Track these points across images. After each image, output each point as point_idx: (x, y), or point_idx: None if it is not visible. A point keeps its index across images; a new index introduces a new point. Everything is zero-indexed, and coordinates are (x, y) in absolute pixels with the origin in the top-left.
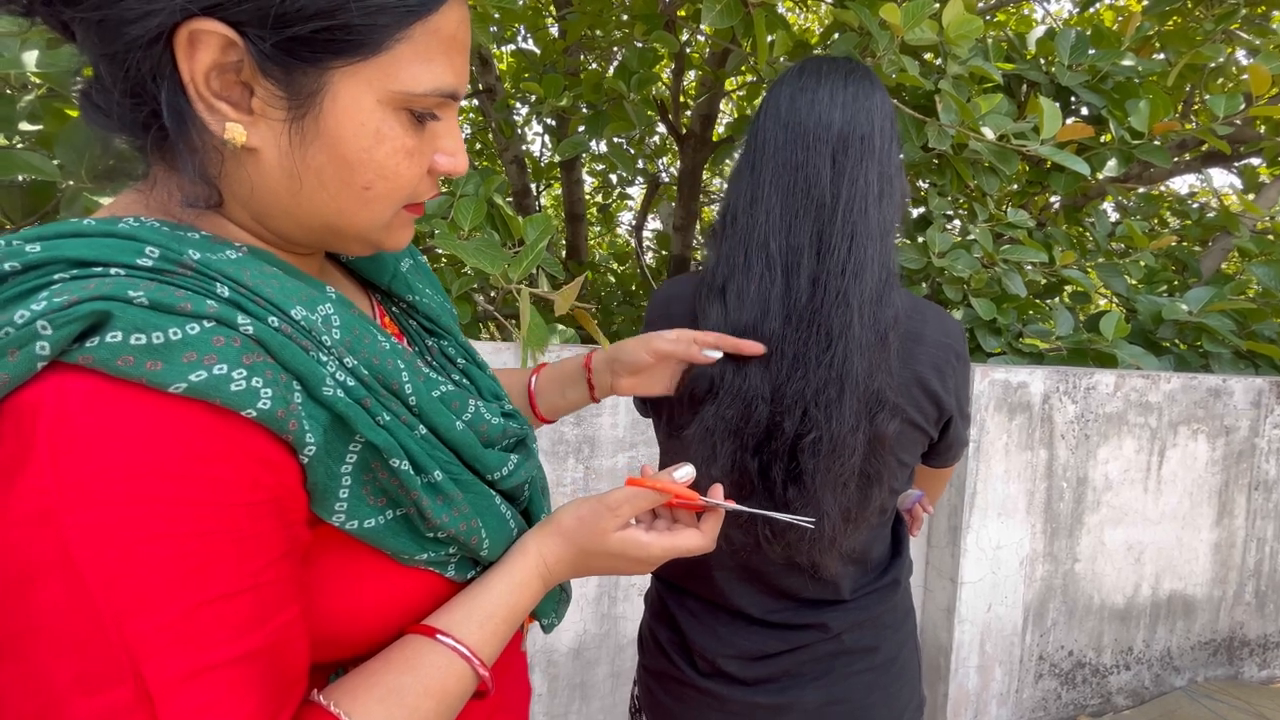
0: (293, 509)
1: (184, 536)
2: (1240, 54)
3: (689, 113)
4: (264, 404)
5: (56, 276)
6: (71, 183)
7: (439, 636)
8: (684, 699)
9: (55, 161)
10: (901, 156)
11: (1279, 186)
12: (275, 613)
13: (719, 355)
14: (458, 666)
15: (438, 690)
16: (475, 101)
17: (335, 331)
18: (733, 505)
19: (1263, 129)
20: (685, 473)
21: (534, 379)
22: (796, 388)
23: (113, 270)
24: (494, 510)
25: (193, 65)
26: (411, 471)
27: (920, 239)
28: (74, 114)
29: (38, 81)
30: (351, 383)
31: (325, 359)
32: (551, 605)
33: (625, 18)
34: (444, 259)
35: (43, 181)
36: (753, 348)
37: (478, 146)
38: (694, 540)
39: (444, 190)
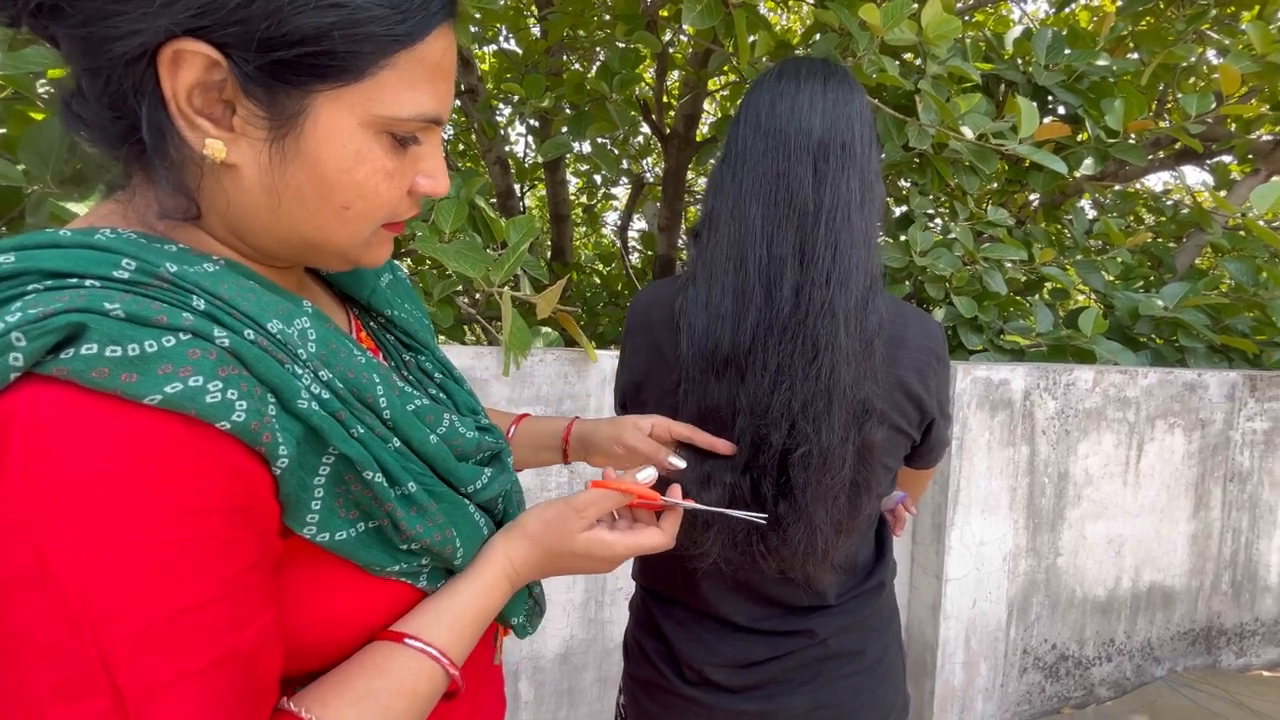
0: (265, 519)
1: (158, 545)
2: (1211, 54)
3: (672, 113)
4: (238, 416)
5: (30, 288)
6: (37, 188)
7: (408, 640)
8: (671, 708)
9: (20, 166)
10: (883, 157)
11: (1250, 184)
12: (249, 621)
13: (683, 465)
14: (428, 668)
15: (409, 691)
16: (458, 102)
17: (311, 345)
18: (691, 504)
19: (1233, 127)
20: (647, 474)
21: (514, 428)
22: (783, 400)
23: (88, 282)
24: (469, 521)
25: (175, 83)
26: (385, 483)
27: (902, 238)
28: (38, 117)
29: (0, 84)
30: (326, 395)
31: (300, 372)
32: (520, 607)
33: (607, 18)
34: (427, 262)
35: (7, 187)
36: (725, 446)
37: (461, 148)
38: (655, 538)
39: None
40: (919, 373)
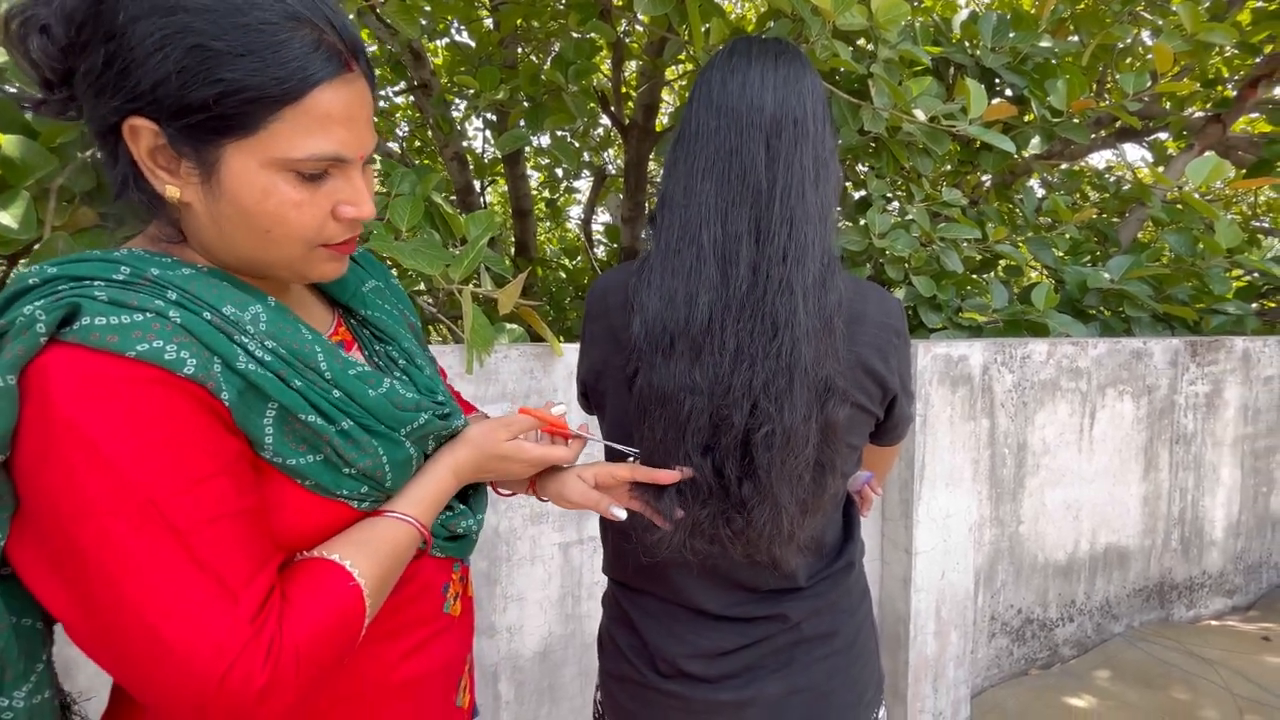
0: (236, 433)
1: (163, 441)
2: (1145, 35)
3: (631, 104)
4: (188, 370)
5: (61, 288)
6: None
7: (387, 513)
8: (647, 702)
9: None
10: (839, 142)
11: (1185, 159)
12: (249, 491)
13: (624, 515)
14: (404, 528)
15: (392, 539)
16: (411, 98)
17: (261, 324)
18: (589, 435)
19: (1168, 105)
20: (560, 409)
21: None
22: (743, 380)
23: (96, 282)
24: (401, 452)
25: (138, 148)
26: (322, 422)
27: (861, 221)
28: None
29: None
30: (269, 359)
31: (246, 341)
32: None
33: (561, 6)
34: (387, 261)
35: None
36: (668, 476)
37: (417, 144)
38: (561, 452)
39: (381, 191)
40: (879, 350)
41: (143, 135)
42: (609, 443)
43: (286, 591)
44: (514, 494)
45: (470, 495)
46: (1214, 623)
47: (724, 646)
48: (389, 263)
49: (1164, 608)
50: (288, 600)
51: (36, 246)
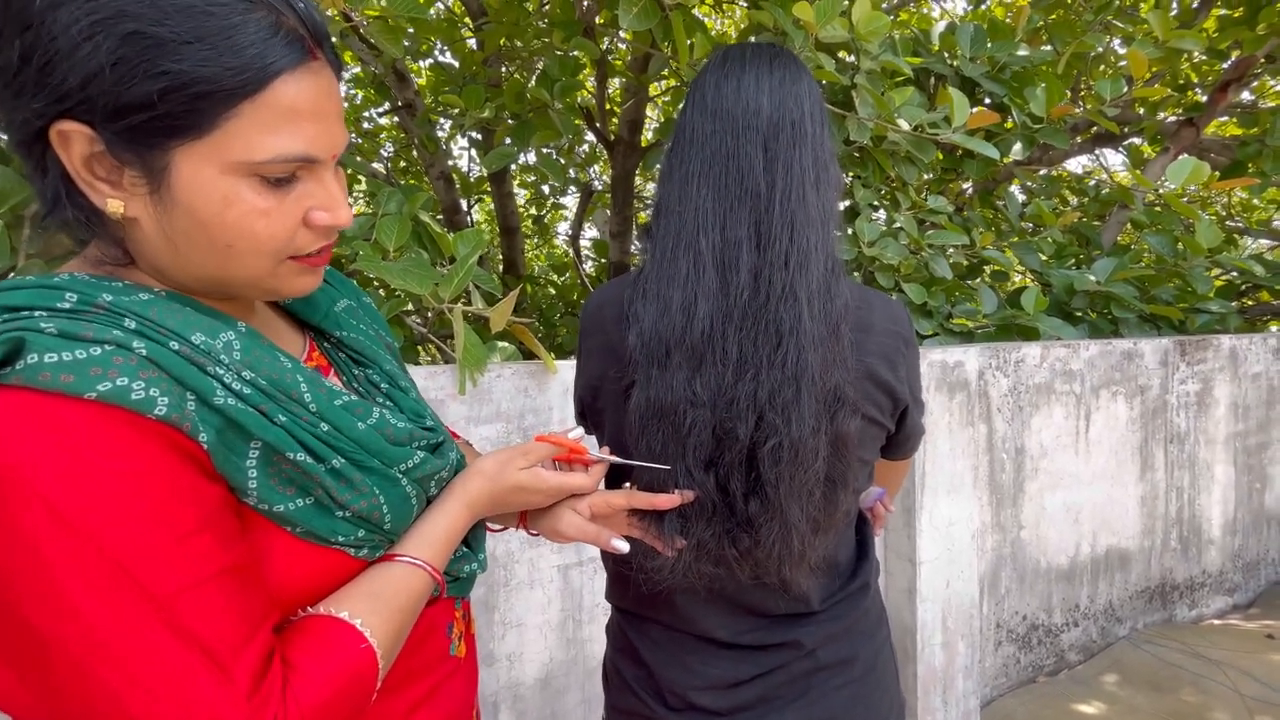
0: (217, 479)
1: (134, 496)
2: (1116, 43)
3: (616, 120)
4: (160, 410)
5: None
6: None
7: (398, 558)
8: None
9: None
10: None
11: (1161, 162)
12: (235, 543)
13: (626, 548)
14: (418, 574)
15: (405, 589)
16: (396, 119)
17: (236, 354)
18: (613, 458)
19: (1142, 111)
20: (577, 433)
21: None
22: (748, 390)
23: (37, 313)
24: (399, 490)
25: (71, 156)
26: (311, 460)
27: (850, 230)
28: None
29: None
30: (248, 391)
31: (222, 373)
32: (457, 562)
33: (544, 24)
34: (374, 282)
35: None
36: (668, 501)
37: (402, 164)
38: (580, 479)
39: (366, 211)
40: (887, 359)
41: (74, 141)
42: (637, 463)
43: (289, 657)
44: (504, 529)
45: (469, 534)
46: (1216, 622)
47: (736, 677)
48: (375, 283)
49: (1166, 608)
50: (291, 667)
51: (11, 275)
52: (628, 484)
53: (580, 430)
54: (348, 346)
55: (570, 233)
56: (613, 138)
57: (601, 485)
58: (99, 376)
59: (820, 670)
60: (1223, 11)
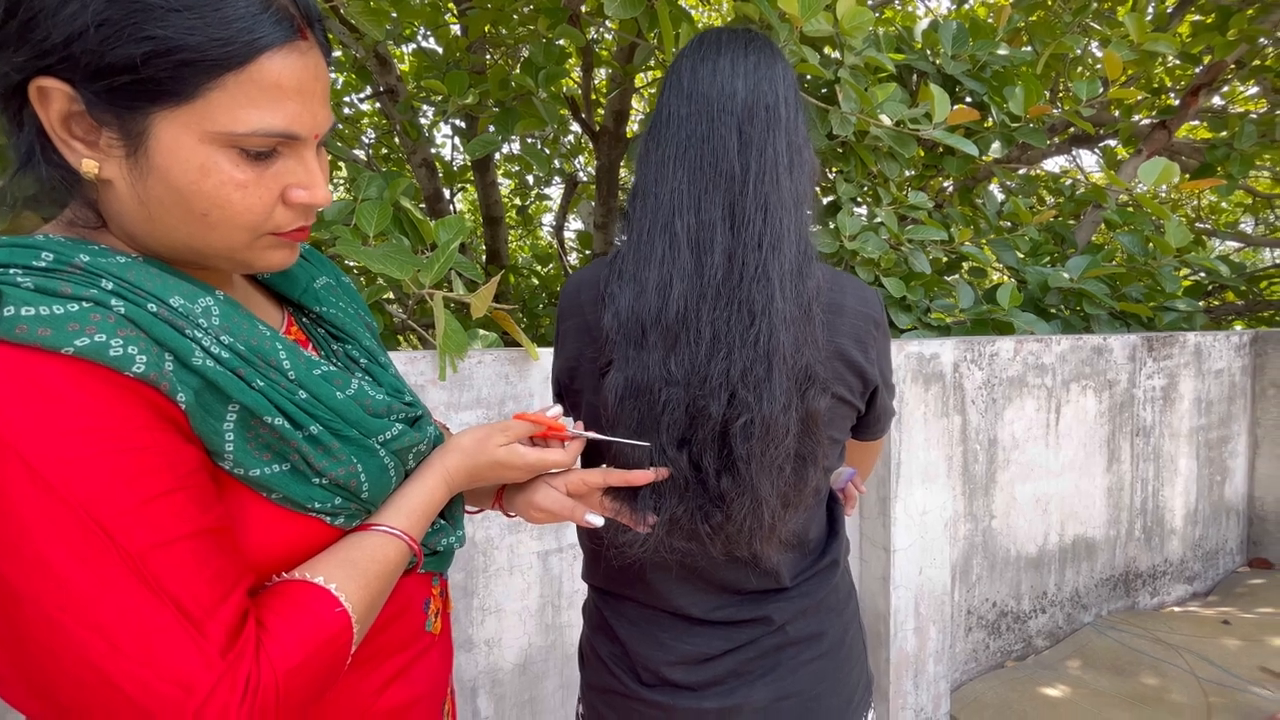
0: (195, 441)
1: (110, 453)
2: (1094, 46)
3: (601, 110)
4: (138, 368)
5: None
6: None
7: (374, 527)
8: (630, 713)
9: None
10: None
11: (1135, 163)
12: (211, 506)
13: (600, 522)
14: (394, 544)
15: (381, 558)
16: (377, 104)
17: (215, 318)
18: (591, 434)
19: (1116, 113)
20: (555, 410)
21: None
22: (720, 369)
23: (13, 269)
24: (376, 460)
25: (48, 113)
26: (289, 426)
27: (831, 224)
28: None
29: None
30: (226, 355)
31: (200, 336)
32: (434, 534)
33: (529, 10)
34: (355, 270)
35: None
36: (643, 477)
37: (384, 151)
38: (558, 455)
39: (347, 197)
40: (858, 340)
41: (54, 99)
42: (616, 439)
43: (263, 619)
44: (480, 510)
45: (448, 509)
46: (1177, 609)
47: (708, 652)
48: (355, 271)
49: (1130, 596)
50: (265, 629)
51: None
52: (604, 464)
53: (558, 408)
54: (326, 322)
55: (555, 224)
56: (598, 128)
57: (578, 465)
58: (76, 332)
59: (789, 645)
60: (1196, 17)
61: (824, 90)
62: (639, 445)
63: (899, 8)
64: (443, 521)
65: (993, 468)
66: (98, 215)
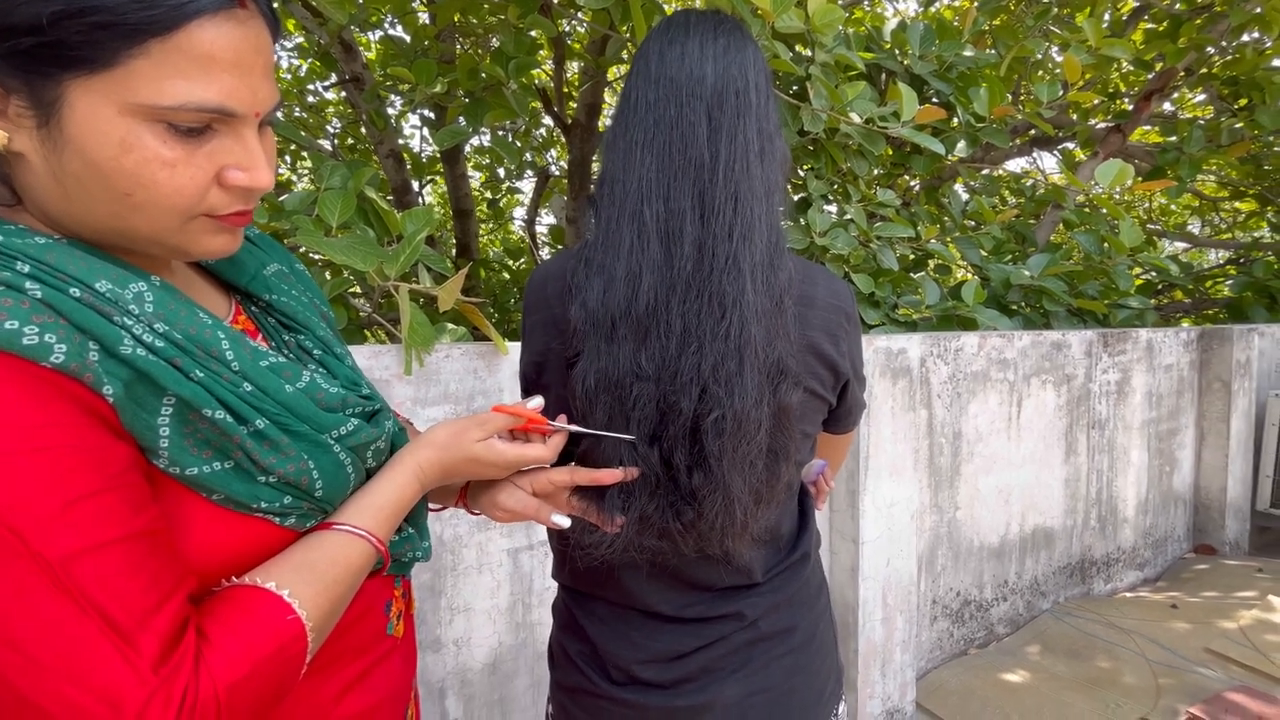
0: (122, 436)
1: (25, 452)
2: (1054, 51)
3: (573, 103)
4: (57, 358)
5: None
6: None
7: (336, 526)
8: (601, 713)
9: None
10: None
11: (1091, 165)
12: (143, 507)
13: (567, 523)
14: (357, 544)
15: (343, 560)
16: (343, 93)
17: (148, 305)
18: (573, 427)
19: (1075, 116)
20: (536, 402)
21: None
22: (691, 363)
23: None
24: (330, 457)
25: None
26: (231, 420)
27: (802, 220)
28: None
29: None
30: (160, 344)
31: (130, 323)
32: (402, 544)
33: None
34: (318, 260)
35: None
36: (612, 476)
37: (350, 141)
38: (538, 450)
39: (310, 187)
40: (829, 333)
41: None
42: (600, 433)
43: (205, 628)
44: (443, 507)
45: (412, 516)
46: (1128, 594)
47: (678, 649)
48: (318, 263)
49: (1085, 583)
50: (207, 639)
51: None
52: (571, 463)
53: (540, 400)
54: (277, 311)
55: (526, 218)
56: (570, 121)
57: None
58: None
59: (761, 640)
60: (1149, 25)
61: (795, 88)
62: (622, 438)
63: (868, 8)
64: (410, 530)
65: (957, 460)
66: (12, 193)
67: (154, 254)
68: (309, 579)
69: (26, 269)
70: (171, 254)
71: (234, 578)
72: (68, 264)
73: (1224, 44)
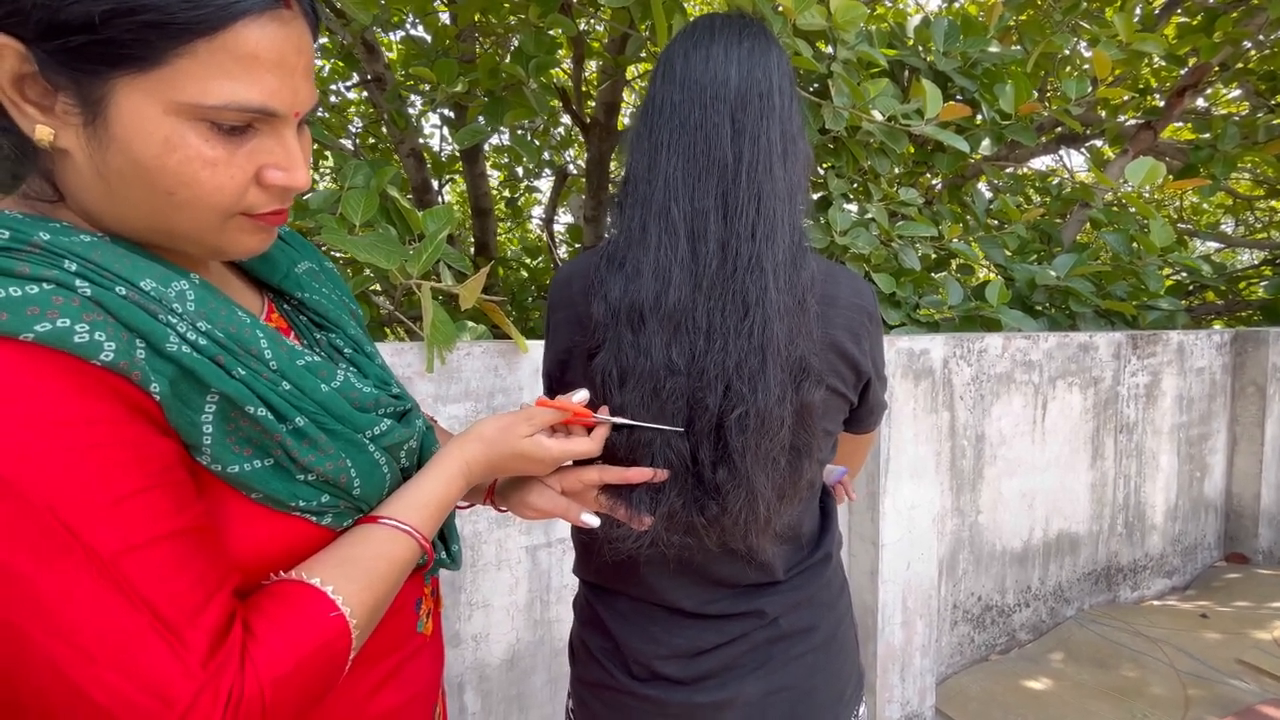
0: (170, 434)
1: (77, 449)
2: (1082, 45)
3: (592, 102)
4: (106, 355)
5: None
6: None
7: (382, 520)
8: (621, 708)
9: None
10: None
11: (1120, 163)
12: (187, 505)
13: (596, 522)
14: (402, 540)
15: (388, 555)
16: (365, 93)
17: (190, 303)
18: (619, 420)
19: (1103, 113)
20: (581, 396)
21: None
22: (716, 360)
23: None
24: (366, 456)
25: None
26: (272, 418)
27: (822, 219)
28: None
29: None
30: (204, 342)
31: (175, 321)
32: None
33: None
34: (339, 258)
35: None
36: (640, 475)
37: (371, 140)
38: (584, 444)
39: (332, 186)
40: (852, 332)
41: (4, 56)
42: (646, 424)
43: (251, 624)
44: (470, 505)
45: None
46: (1156, 602)
47: (700, 646)
48: (341, 261)
49: (1111, 590)
50: (252, 635)
51: None
52: (598, 461)
53: (584, 393)
54: (309, 309)
55: (544, 216)
56: (589, 120)
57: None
58: (37, 316)
59: (781, 639)
60: (1182, 19)
61: (816, 85)
62: (668, 430)
63: (891, 4)
64: (437, 539)
65: (980, 463)
66: (55, 189)
67: (192, 253)
68: (354, 574)
69: (74, 267)
70: (210, 252)
71: (280, 573)
72: (113, 262)
73: (1261, 38)
